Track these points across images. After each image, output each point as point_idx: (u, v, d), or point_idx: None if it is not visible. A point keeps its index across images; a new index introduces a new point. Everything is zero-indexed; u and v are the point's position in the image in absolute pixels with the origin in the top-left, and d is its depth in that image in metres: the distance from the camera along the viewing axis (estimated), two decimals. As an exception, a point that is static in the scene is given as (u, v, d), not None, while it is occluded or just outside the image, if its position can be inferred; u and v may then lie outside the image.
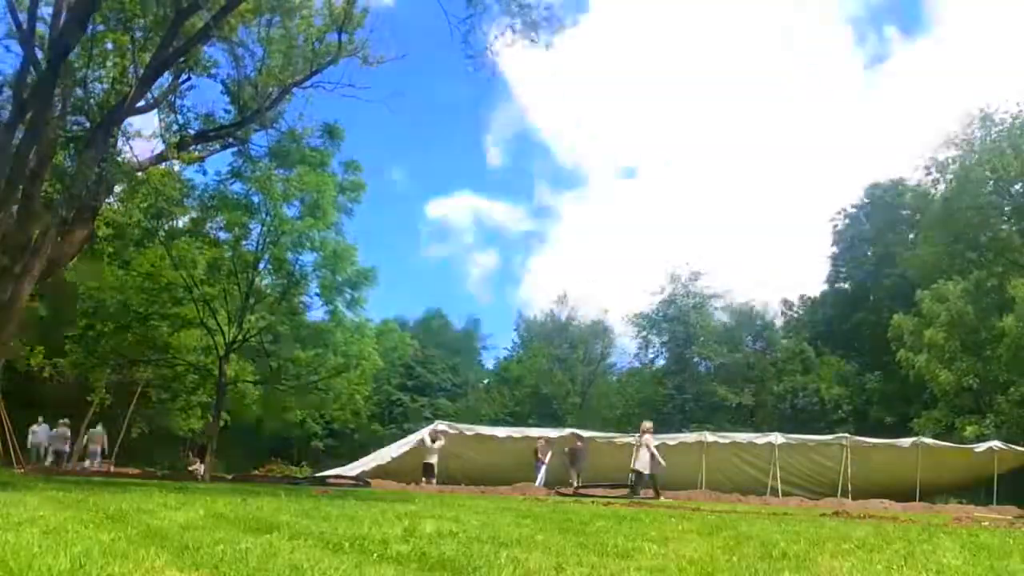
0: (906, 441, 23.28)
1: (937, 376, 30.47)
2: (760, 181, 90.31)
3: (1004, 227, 33.10)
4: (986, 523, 9.72)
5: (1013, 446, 23.07)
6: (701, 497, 19.61)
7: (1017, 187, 33.12)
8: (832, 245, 49.93)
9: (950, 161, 34.42)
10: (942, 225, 34.54)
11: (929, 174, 36.61)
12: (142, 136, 17.11)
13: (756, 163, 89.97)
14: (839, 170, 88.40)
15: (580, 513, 8.83)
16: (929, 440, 23.36)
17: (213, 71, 16.05)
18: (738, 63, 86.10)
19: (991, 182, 32.56)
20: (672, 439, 24.40)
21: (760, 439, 23.94)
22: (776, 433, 23.92)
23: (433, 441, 21.64)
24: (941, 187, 36.33)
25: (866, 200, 48.17)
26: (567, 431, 24.24)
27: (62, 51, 11.84)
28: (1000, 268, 31.97)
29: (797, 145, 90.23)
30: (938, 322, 31.17)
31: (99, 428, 25.51)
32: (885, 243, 44.34)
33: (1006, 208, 33.05)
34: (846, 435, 23.17)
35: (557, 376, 50.59)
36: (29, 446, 23.85)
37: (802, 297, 54.95)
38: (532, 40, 12.29)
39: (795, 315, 54.50)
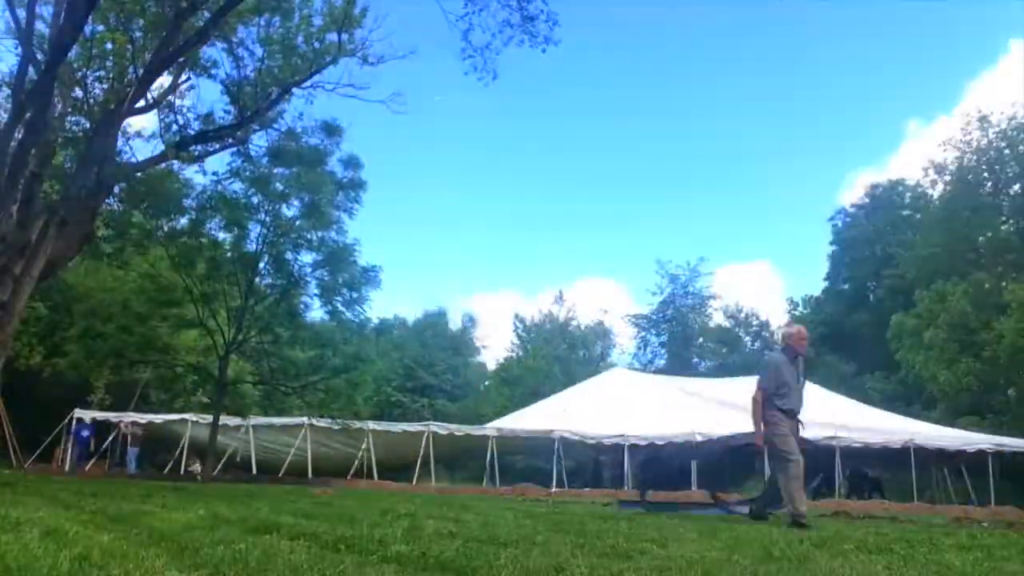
0: (899, 441, 23.16)
1: (937, 376, 30.49)
2: (761, 180, 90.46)
3: (1003, 228, 33.15)
4: (985, 524, 9.72)
5: (1005, 444, 23.04)
6: (701, 498, 19.59)
7: (1015, 188, 33.18)
8: (831, 245, 50.08)
9: (948, 162, 34.49)
10: (941, 226, 34.58)
11: (927, 175, 36.72)
12: (142, 136, 17.14)
13: (757, 162, 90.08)
14: (840, 170, 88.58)
15: (580, 513, 8.83)
16: (922, 441, 23.28)
17: (213, 71, 16.05)
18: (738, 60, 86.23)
19: (989, 183, 32.63)
20: (662, 439, 24.37)
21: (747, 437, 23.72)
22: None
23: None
24: (939, 188, 36.42)
25: (866, 200, 48.30)
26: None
27: (61, 51, 11.82)
28: (999, 269, 32.01)
29: (798, 143, 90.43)
30: (938, 322, 31.18)
31: None
32: (884, 243, 44.39)
33: (1004, 209, 33.10)
34: (836, 435, 23.01)
35: (556, 377, 50.61)
36: None
37: (801, 298, 55.06)
38: (531, 36, 12.25)
39: (794, 315, 54.57)
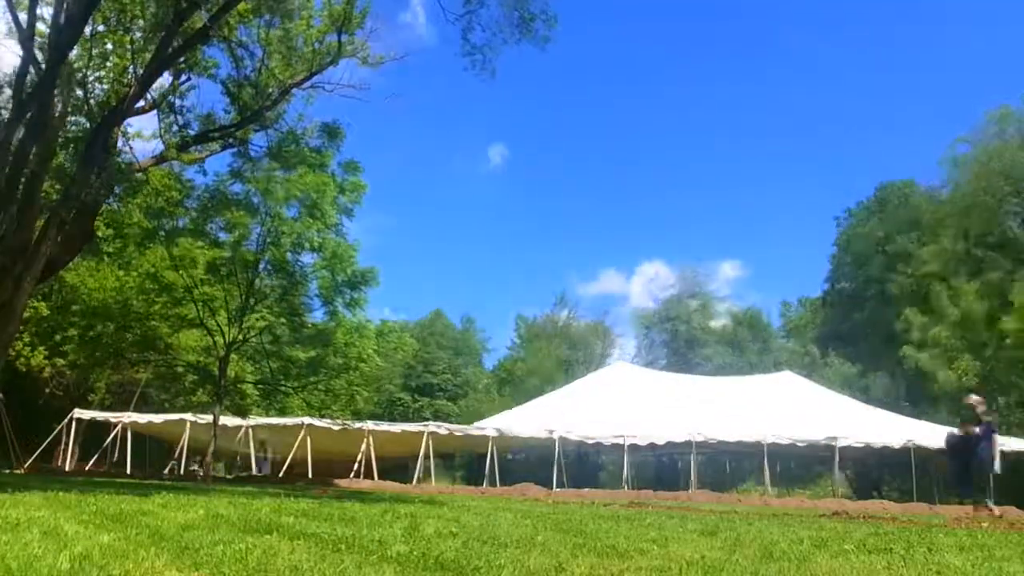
0: (898, 442, 23.13)
1: (937, 375, 30.40)
2: (763, 180, 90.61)
3: (1014, 226, 32.93)
4: (985, 524, 9.71)
5: (1006, 445, 23.01)
6: (701, 498, 19.61)
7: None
8: (834, 245, 50.02)
9: (964, 158, 34.36)
10: (951, 224, 34.45)
11: (942, 169, 36.63)
12: (142, 137, 17.13)
13: (758, 161, 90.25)
14: (843, 169, 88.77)
15: (580, 513, 8.83)
16: (920, 442, 23.25)
17: (213, 71, 16.00)
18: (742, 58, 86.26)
19: (1005, 180, 32.43)
20: (661, 439, 24.36)
21: (750, 438, 23.61)
22: (765, 433, 23.52)
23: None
24: (951, 186, 36.29)
25: (869, 200, 48.22)
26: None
27: (62, 51, 11.82)
28: (1009, 267, 31.84)
29: (801, 143, 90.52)
30: (946, 320, 30.97)
31: None
32: (888, 243, 44.30)
33: (1016, 207, 32.90)
34: (836, 436, 23.01)
35: (559, 377, 50.69)
36: None
37: (803, 299, 55.02)
38: (528, 35, 12.24)
39: (798, 315, 54.58)
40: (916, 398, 35.82)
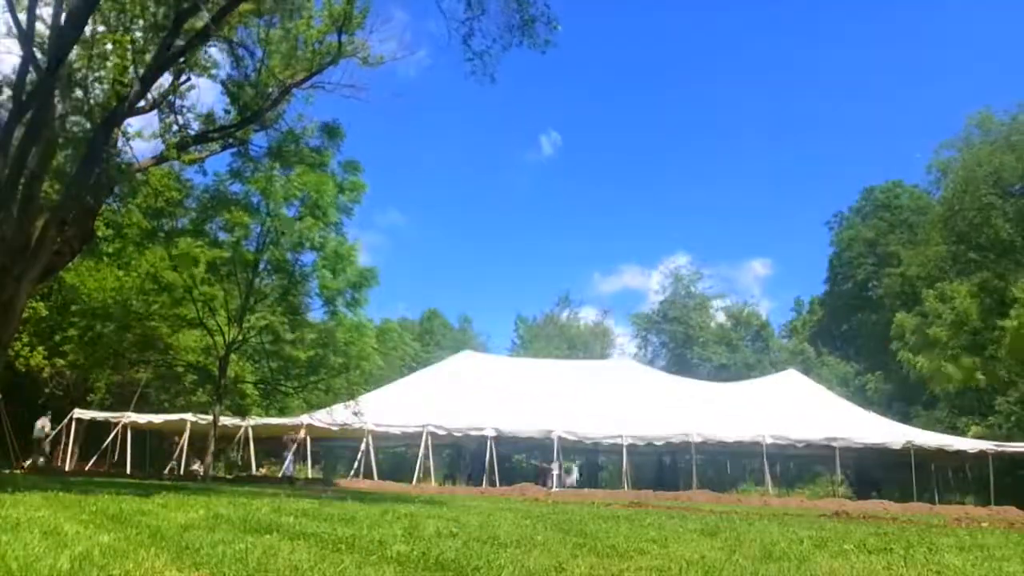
0: (898, 443, 23.11)
1: (945, 371, 30.29)
2: (761, 179, 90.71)
3: (1005, 228, 32.99)
4: (985, 524, 9.72)
5: (1006, 446, 23.05)
6: (701, 498, 19.61)
7: (1018, 188, 33.06)
8: (831, 246, 50.11)
9: (951, 162, 34.43)
10: (943, 226, 34.51)
11: (930, 174, 36.71)
12: (142, 137, 17.09)
13: (757, 162, 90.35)
14: (839, 170, 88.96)
15: (580, 513, 8.84)
16: (920, 442, 23.25)
17: (213, 72, 15.98)
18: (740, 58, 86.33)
19: (992, 183, 32.51)
20: (660, 439, 24.35)
21: (750, 439, 23.55)
22: (764, 434, 23.44)
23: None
24: (941, 189, 36.37)
25: (864, 201, 48.33)
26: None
27: (62, 52, 11.81)
28: (1002, 269, 31.88)
29: (798, 144, 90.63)
30: (941, 321, 31.04)
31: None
32: (884, 244, 44.38)
33: (1006, 209, 32.96)
34: (836, 436, 22.96)
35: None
36: None
37: (813, 299, 54.98)
38: (529, 39, 12.25)
39: (795, 315, 54.62)
40: (913, 398, 35.84)
